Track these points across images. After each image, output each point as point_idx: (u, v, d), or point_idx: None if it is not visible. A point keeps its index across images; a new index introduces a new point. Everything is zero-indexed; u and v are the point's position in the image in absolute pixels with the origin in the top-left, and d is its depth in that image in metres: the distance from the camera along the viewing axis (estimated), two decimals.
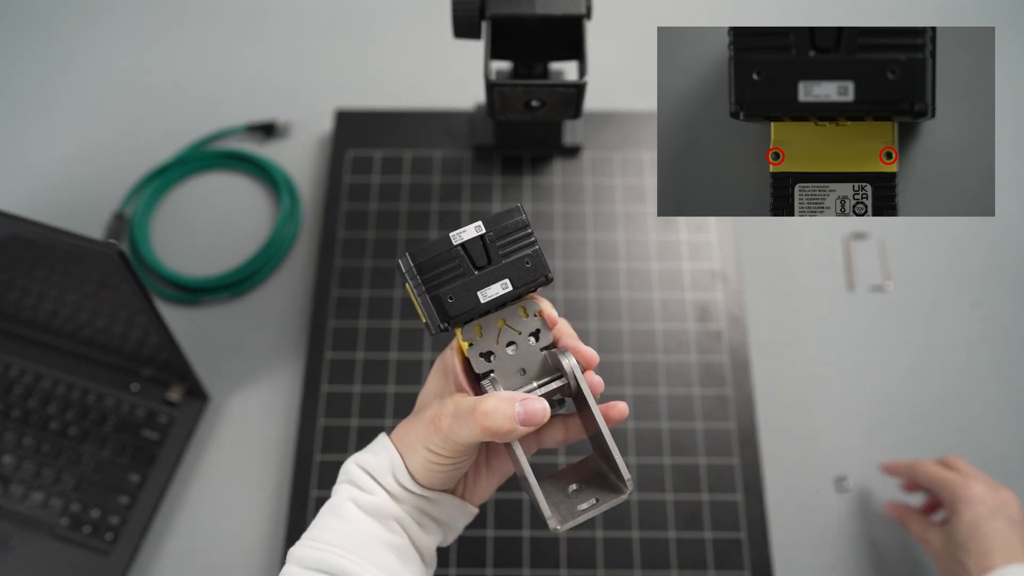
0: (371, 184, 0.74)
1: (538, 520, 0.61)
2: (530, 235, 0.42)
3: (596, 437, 0.44)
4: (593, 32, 0.79)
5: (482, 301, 0.41)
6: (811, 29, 0.30)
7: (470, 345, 0.43)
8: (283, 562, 0.60)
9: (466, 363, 0.45)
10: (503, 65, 0.66)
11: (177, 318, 0.71)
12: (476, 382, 0.45)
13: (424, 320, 0.43)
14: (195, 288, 0.71)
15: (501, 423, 0.40)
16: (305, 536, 0.44)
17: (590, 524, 0.61)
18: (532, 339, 0.44)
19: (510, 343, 0.44)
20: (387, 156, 0.76)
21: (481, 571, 0.60)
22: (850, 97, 0.30)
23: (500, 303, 0.42)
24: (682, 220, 0.73)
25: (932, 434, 0.66)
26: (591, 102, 0.78)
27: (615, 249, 0.71)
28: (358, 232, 0.72)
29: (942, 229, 0.74)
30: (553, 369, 0.44)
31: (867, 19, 0.85)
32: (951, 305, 0.71)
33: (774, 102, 0.31)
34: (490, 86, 0.56)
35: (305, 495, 0.62)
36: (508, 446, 0.42)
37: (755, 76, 0.31)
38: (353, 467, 0.45)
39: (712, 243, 0.71)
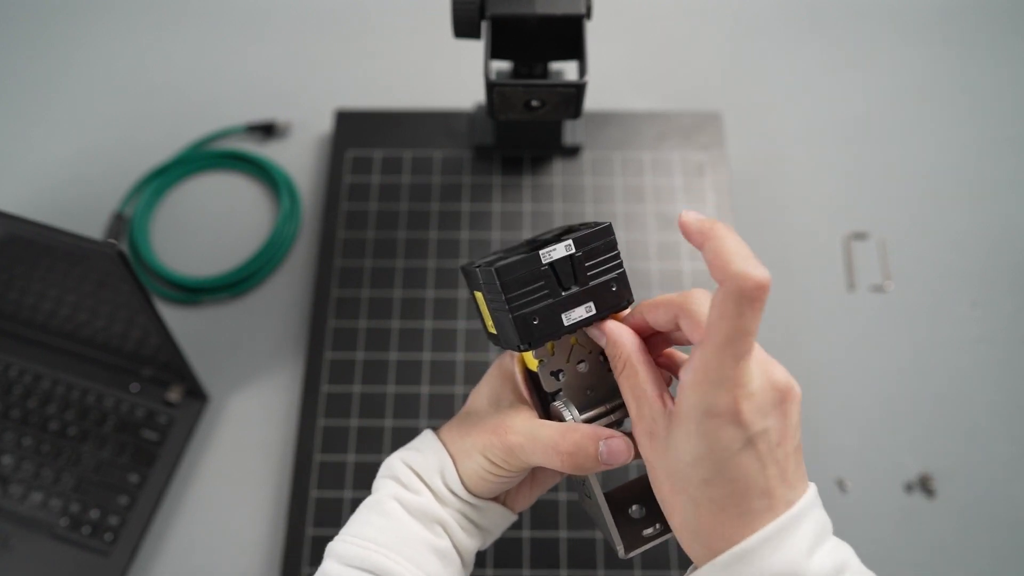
0: (371, 184, 0.74)
1: (539, 521, 0.61)
2: (617, 256, 0.41)
3: None
4: (593, 32, 0.79)
5: (565, 324, 0.40)
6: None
7: (540, 362, 0.42)
8: (284, 562, 0.60)
9: (527, 374, 0.44)
10: (503, 65, 0.66)
11: (177, 318, 0.71)
12: (540, 397, 0.44)
13: (493, 332, 0.42)
14: (195, 288, 0.71)
15: (583, 462, 0.39)
16: (344, 532, 0.43)
17: (588, 523, 0.61)
18: (602, 358, 0.43)
19: (580, 361, 0.43)
20: (387, 156, 0.76)
21: (481, 571, 0.60)
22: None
23: (581, 326, 0.41)
24: None
25: (932, 434, 0.66)
26: (591, 102, 0.78)
27: None
28: (358, 232, 0.72)
29: (942, 229, 0.74)
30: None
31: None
32: (951, 305, 0.71)
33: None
34: (490, 86, 0.56)
35: (305, 495, 0.62)
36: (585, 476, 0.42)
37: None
38: (399, 464, 0.44)
39: None
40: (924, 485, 0.64)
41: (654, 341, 0.42)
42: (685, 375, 0.36)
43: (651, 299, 0.41)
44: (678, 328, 0.40)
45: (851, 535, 0.63)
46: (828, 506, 0.64)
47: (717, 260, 0.34)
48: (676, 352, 0.44)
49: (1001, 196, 0.76)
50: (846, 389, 0.68)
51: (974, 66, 0.83)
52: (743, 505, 0.35)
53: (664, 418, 0.37)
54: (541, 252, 0.40)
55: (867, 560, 0.64)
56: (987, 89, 0.81)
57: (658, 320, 0.40)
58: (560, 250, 0.40)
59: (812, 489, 0.37)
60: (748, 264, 0.33)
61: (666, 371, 0.43)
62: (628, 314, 0.42)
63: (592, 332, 0.42)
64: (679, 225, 0.37)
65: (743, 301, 0.33)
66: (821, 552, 0.35)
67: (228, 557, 0.62)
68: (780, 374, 0.36)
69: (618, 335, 0.40)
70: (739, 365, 0.34)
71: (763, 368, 0.36)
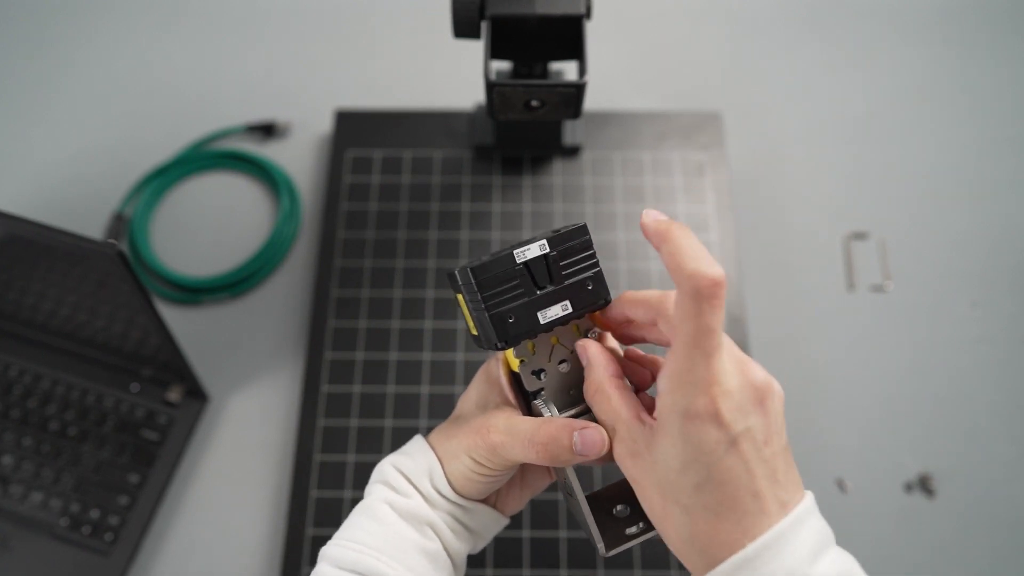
0: (371, 184, 0.74)
1: (539, 521, 0.61)
2: (593, 255, 0.42)
3: None
4: (593, 32, 0.79)
5: (542, 322, 0.41)
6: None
7: (521, 362, 0.43)
8: (284, 562, 0.60)
9: (511, 376, 0.44)
10: (503, 65, 0.66)
11: (177, 318, 0.71)
12: (524, 398, 0.44)
13: (475, 333, 0.43)
14: (195, 288, 0.71)
15: (559, 453, 0.40)
16: (337, 536, 0.43)
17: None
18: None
19: (562, 361, 0.44)
20: (387, 156, 0.76)
21: (481, 571, 0.60)
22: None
23: (558, 324, 0.42)
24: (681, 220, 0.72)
25: (932, 434, 0.66)
26: (591, 102, 0.78)
27: (615, 249, 0.71)
28: (358, 232, 0.72)
29: (942, 229, 0.74)
30: None
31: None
32: (951, 305, 0.71)
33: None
34: (490, 86, 0.56)
35: (305, 495, 0.62)
36: (561, 468, 0.42)
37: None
38: (389, 468, 0.45)
39: (712, 243, 0.71)
40: (924, 485, 0.64)
41: (631, 332, 0.43)
42: (662, 382, 0.36)
43: (635, 293, 0.42)
44: (656, 326, 0.40)
45: (851, 535, 0.63)
46: (828, 506, 0.64)
47: (672, 261, 0.35)
48: (660, 358, 0.44)
49: (1001, 196, 0.76)
50: (846, 389, 0.68)
51: (974, 66, 0.83)
52: (737, 509, 0.35)
53: (644, 434, 0.37)
54: (515, 251, 0.41)
55: (867, 560, 0.64)
56: (987, 89, 0.81)
57: (638, 317, 0.41)
58: (534, 249, 0.41)
59: (809, 497, 0.37)
60: (702, 263, 0.34)
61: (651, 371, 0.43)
62: (610, 306, 0.43)
63: (579, 349, 0.43)
64: (640, 226, 0.38)
65: (701, 299, 0.34)
66: (824, 560, 0.35)
67: (228, 557, 0.62)
68: (758, 372, 0.36)
69: (595, 359, 0.41)
70: (711, 363, 0.34)
71: (740, 367, 0.36)
